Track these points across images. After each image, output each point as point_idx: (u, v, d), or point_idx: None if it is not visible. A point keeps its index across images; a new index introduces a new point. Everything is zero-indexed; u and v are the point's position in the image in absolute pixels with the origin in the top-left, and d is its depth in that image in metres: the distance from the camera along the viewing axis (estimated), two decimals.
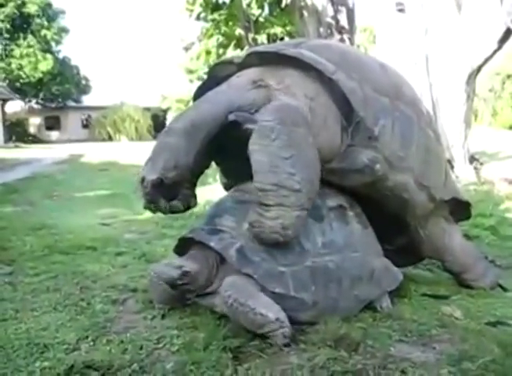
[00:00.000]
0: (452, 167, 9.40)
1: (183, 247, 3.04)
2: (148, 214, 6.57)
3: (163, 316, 2.84)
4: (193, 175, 3.02)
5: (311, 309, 2.74)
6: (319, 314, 2.76)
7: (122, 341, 2.55)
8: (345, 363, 2.33)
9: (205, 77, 3.53)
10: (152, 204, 2.78)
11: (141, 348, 2.47)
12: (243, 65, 3.19)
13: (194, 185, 3.16)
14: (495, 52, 9.44)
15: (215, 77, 3.29)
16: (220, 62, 3.46)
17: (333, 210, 3.02)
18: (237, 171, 3.30)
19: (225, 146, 3.12)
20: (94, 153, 20.92)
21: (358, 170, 3.01)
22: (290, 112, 2.78)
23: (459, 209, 3.79)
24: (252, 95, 3.00)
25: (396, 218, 3.42)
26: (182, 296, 2.89)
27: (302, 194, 2.61)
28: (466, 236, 5.47)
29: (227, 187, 3.47)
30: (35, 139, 38.05)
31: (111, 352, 2.43)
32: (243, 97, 2.97)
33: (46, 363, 2.30)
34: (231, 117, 2.90)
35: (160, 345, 2.51)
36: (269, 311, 2.47)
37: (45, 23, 38.60)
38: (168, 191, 2.75)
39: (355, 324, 2.81)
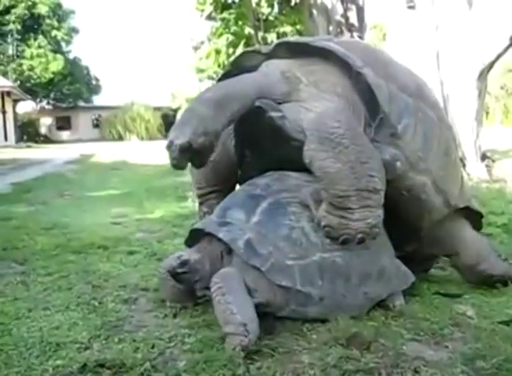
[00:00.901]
0: (464, 165, 9.35)
1: (194, 238, 3.04)
2: (158, 213, 6.63)
3: (174, 315, 2.85)
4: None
5: (318, 304, 2.73)
6: (326, 310, 2.75)
7: (134, 340, 2.56)
8: (357, 362, 2.32)
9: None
10: (177, 168, 2.75)
11: (153, 346, 2.48)
12: (272, 55, 3.21)
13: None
14: (507, 48, 9.35)
15: (241, 66, 3.31)
16: (247, 51, 3.48)
17: None
18: (254, 164, 3.33)
19: (247, 137, 3.18)
20: (105, 152, 21.04)
21: None
22: (347, 113, 2.85)
23: (471, 219, 3.68)
24: (280, 85, 3.02)
25: (408, 221, 3.33)
26: (191, 292, 2.89)
27: (382, 192, 2.71)
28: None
29: (241, 181, 3.47)
30: (46, 139, 38.40)
31: (123, 350, 2.44)
32: (272, 86, 2.99)
33: (59, 362, 2.32)
34: (258, 102, 2.92)
35: (172, 344, 2.52)
36: (240, 313, 2.44)
37: (56, 24, 38.96)
38: (196, 157, 2.73)
39: (367, 323, 2.80)
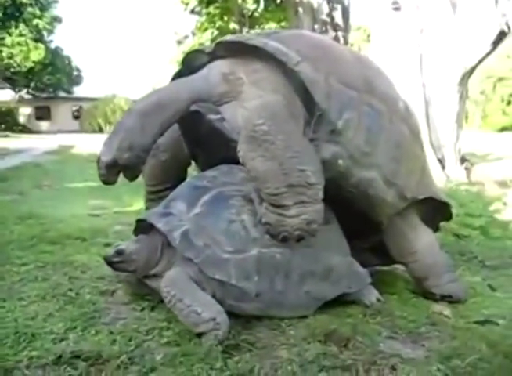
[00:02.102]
0: (444, 167, 9.46)
1: (141, 229, 3.02)
2: (137, 206, 6.58)
3: (152, 308, 2.82)
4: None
5: (255, 300, 2.69)
6: (264, 306, 2.72)
7: (111, 332, 2.52)
8: (335, 359, 2.34)
9: None
10: (107, 184, 2.79)
11: (130, 339, 2.45)
12: (214, 55, 3.15)
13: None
14: (488, 53, 9.50)
15: (190, 65, 3.26)
16: (192, 51, 3.41)
17: None
18: (206, 162, 3.34)
19: (195, 138, 3.19)
20: (84, 144, 20.79)
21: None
22: (274, 109, 2.77)
23: (439, 209, 3.66)
24: (220, 87, 2.98)
25: (366, 215, 3.29)
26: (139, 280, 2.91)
27: (318, 186, 2.62)
28: (456, 236, 5.53)
29: None
30: (25, 129, 37.88)
31: (100, 342, 2.40)
32: (211, 88, 2.96)
33: (34, 353, 2.28)
34: (193, 107, 2.90)
35: (150, 337, 2.49)
36: (205, 310, 2.44)
37: (38, 12, 38.36)
38: (126, 171, 2.75)
39: (345, 320, 2.81)
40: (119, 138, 2.68)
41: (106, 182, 2.77)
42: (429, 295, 3.45)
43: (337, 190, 2.99)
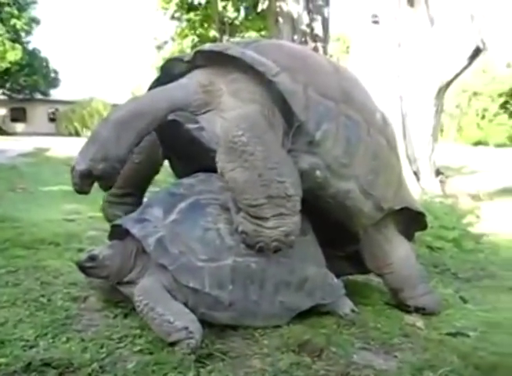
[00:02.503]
0: (418, 179, 9.57)
1: (115, 234, 3.00)
2: None
3: (125, 315, 2.79)
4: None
5: (228, 309, 2.67)
6: (238, 316, 2.71)
7: (82, 340, 2.48)
8: (308, 369, 2.33)
9: None
10: (80, 193, 2.77)
11: (102, 346, 2.42)
12: (193, 63, 3.14)
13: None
14: (464, 68, 9.68)
15: (168, 73, 3.24)
16: (171, 58, 3.37)
17: None
18: (183, 170, 3.35)
19: (172, 146, 3.18)
20: (60, 147, 20.51)
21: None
22: (253, 119, 2.77)
23: (414, 219, 3.68)
24: (198, 96, 2.97)
25: (343, 225, 3.30)
26: (112, 287, 2.88)
27: (296, 197, 2.63)
28: (430, 248, 5.60)
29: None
30: None
31: (71, 350, 2.36)
32: (189, 98, 2.94)
33: (2, 360, 2.22)
34: (171, 116, 2.89)
35: (122, 345, 2.46)
36: (178, 319, 2.42)
37: (16, 13, 37.91)
38: (100, 181, 2.74)
39: (319, 330, 2.81)
40: (94, 148, 2.66)
41: (79, 192, 2.76)
42: (404, 307, 3.47)
43: (314, 201, 3.00)
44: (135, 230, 2.75)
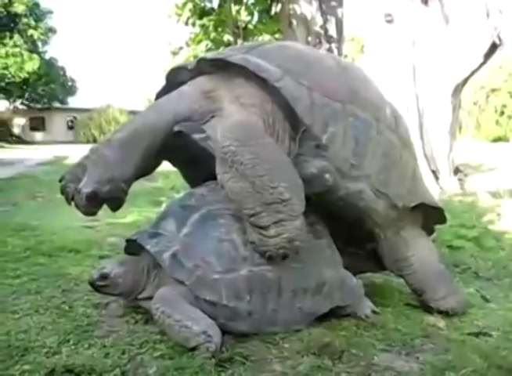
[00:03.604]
0: (437, 178, 9.48)
1: (131, 248, 3.02)
2: (131, 218, 6.57)
3: (146, 321, 2.81)
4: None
5: (247, 319, 2.67)
6: (257, 325, 2.71)
7: (104, 346, 2.51)
8: (329, 372, 2.33)
9: None
10: (87, 215, 2.86)
11: (123, 352, 2.44)
12: (197, 71, 3.13)
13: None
14: (481, 65, 9.56)
15: (174, 82, 3.23)
16: (175, 67, 3.36)
17: None
18: (192, 177, 3.38)
19: (181, 154, 3.16)
20: (78, 155, 20.53)
21: (307, 180, 2.87)
22: (244, 128, 2.75)
23: (432, 214, 3.60)
24: (201, 105, 2.96)
25: (359, 225, 3.29)
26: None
27: (293, 201, 2.58)
28: (450, 247, 5.54)
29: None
30: (19, 140, 37.84)
31: (93, 356, 2.39)
32: (192, 107, 2.93)
33: (26, 367, 2.26)
34: (176, 127, 2.89)
35: (143, 350, 2.48)
36: (195, 324, 2.43)
37: (33, 23, 38.46)
38: (108, 202, 2.79)
39: (339, 333, 2.81)
40: (99, 170, 2.69)
41: (86, 214, 2.82)
42: (427, 307, 3.44)
43: (327, 203, 3.00)
44: (149, 246, 2.77)
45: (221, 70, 3.03)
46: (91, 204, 2.71)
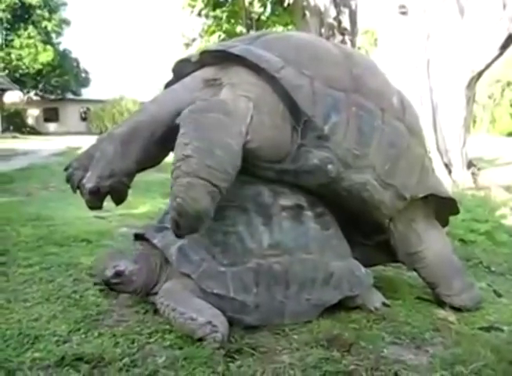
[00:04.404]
0: (450, 171, 9.42)
1: (139, 241, 3.04)
2: (143, 208, 6.60)
3: (155, 311, 2.82)
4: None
5: (254, 311, 2.67)
6: (265, 317, 2.71)
7: (114, 335, 2.53)
8: (338, 364, 2.33)
9: None
10: (93, 209, 2.87)
11: (133, 342, 2.46)
12: (201, 63, 3.11)
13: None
14: (496, 58, 9.45)
15: (180, 74, 3.21)
16: (180, 60, 3.32)
17: (286, 209, 2.87)
18: None
19: None
20: None
21: (310, 171, 2.88)
22: (205, 103, 2.73)
23: (445, 205, 3.55)
24: (203, 95, 2.93)
25: (367, 216, 3.23)
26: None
27: (193, 160, 2.45)
28: (462, 241, 5.50)
29: None
30: (33, 131, 38.04)
31: (102, 344, 2.41)
32: (193, 98, 2.89)
33: (37, 354, 2.29)
34: (177, 120, 2.84)
35: (152, 340, 2.50)
36: (200, 315, 2.44)
37: (46, 15, 38.54)
38: (111, 196, 2.80)
39: (349, 325, 2.81)
40: (101, 165, 2.71)
41: (91, 208, 2.84)
42: (439, 301, 3.41)
43: (332, 194, 2.99)
44: (155, 240, 2.79)
45: (223, 61, 3.00)
46: (95, 198, 2.74)
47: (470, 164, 9.90)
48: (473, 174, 9.61)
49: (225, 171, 2.51)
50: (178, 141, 2.54)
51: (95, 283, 3.23)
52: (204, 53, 3.08)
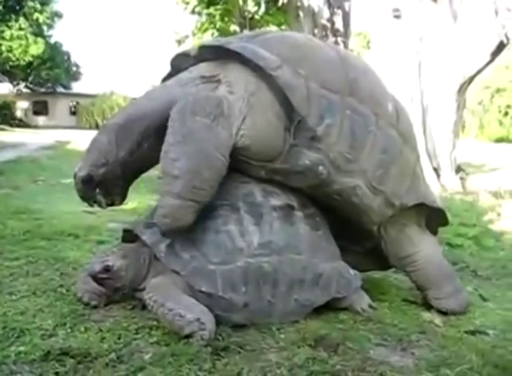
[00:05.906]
0: (439, 175, 9.48)
1: (129, 237, 3.02)
2: (132, 204, 6.56)
3: (143, 307, 2.80)
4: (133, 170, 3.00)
5: (242, 310, 2.67)
6: (253, 316, 2.71)
7: (100, 330, 2.52)
8: (324, 364, 2.33)
9: None
10: (85, 199, 2.86)
11: (119, 337, 2.45)
12: (199, 58, 3.10)
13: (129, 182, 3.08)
14: (487, 64, 9.54)
15: (178, 67, 3.19)
16: (179, 54, 3.31)
17: (277, 209, 2.87)
18: None
19: None
20: (81, 140, 20.65)
21: (301, 172, 2.87)
22: (194, 102, 2.72)
23: (434, 215, 3.55)
24: (199, 91, 2.92)
25: (355, 222, 3.24)
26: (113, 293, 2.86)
27: (180, 181, 2.53)
28: (450, 245, 5.53)
29: None
30: (22, 123, 37.71)
31: (89, 339, 2.40)
32: (188, 93, 2.88)
33: (22, 348, 2.27)
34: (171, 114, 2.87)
35: (139, 336, 2.49)
36: (189, 312, 2.43)
37: (38, 7, 38.16)
38: (102, 186, 2.80)
39: (336, 325, 2.82)
40: (94, 155, 2.73)
41: (83, 198, 2.83)
42: (427, 304, 3.42)
43: (323, 197, 2.99)
44: (144, 236, 2.77)
45: (221, 57, 3.00)
46: (87, 188, 2.73)
47: (458, 169, 9.97)
48: (461, 178, 9.69)
49: (211, 187, 2.63)
50: (165, 147, 2.59)
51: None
52: (203, 48, 3.08)
